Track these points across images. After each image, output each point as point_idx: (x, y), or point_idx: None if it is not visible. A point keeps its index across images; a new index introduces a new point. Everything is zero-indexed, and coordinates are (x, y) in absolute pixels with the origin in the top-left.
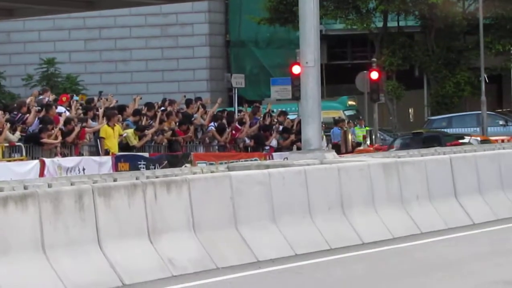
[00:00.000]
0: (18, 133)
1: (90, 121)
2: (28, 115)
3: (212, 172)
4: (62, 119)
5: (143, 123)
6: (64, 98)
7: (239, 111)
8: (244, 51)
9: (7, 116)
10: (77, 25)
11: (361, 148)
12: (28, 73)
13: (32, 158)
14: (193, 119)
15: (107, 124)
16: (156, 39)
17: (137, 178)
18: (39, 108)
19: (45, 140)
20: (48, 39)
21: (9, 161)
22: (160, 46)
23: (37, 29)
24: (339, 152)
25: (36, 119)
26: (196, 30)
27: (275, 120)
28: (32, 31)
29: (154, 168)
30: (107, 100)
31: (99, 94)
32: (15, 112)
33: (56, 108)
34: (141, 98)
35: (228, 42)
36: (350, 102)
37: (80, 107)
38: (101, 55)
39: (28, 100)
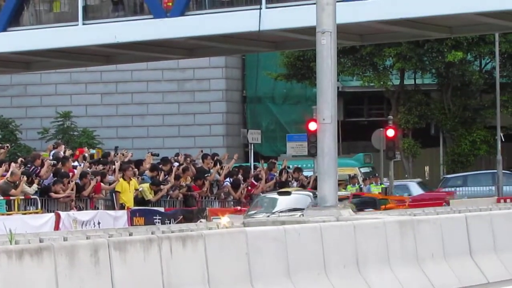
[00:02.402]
0: (35, 186)
1: (107, 176)
2: (41, 168)
3: (227, 227)
4: (77, 173)
5: (160, 178)
6: (77, 152)
7: (255, 167)
8: (261, 107)
9: (23, 169)
10: (93, 79)
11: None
12: (44, 127)
13: (48, 211)
14: (208, 174)
15: (123, 178)
16: (173, 93)
17: (152, 233)
18: (54, 162)
19: (54, 194)
20: (65, 92)
21: (25, 214)
22: (176, 101)
23: (54, 82)
24: None
25: (51, 172)
26: (213, 85)
27: (291, 176)
28: (48, 84)
29: (170, 223)
30: (123, 155)
31: (115, 149)
32: (29, 165)
33: (73, 162)
34: (154, 154)
35: (245, 97)
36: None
37: (90, 161)
38: (118, 109)
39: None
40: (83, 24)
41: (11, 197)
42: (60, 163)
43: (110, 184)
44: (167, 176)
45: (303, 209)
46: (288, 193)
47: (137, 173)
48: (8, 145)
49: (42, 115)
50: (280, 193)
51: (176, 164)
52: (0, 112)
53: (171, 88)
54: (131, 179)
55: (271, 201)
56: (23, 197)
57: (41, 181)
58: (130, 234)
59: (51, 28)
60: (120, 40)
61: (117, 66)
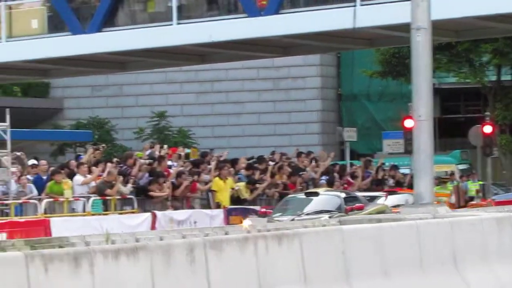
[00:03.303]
0: (129, 186)
1: (202, 175)
2: (133, 167)
3: (323, 225)
4: (173, 172)
5: (255, 177)
6: (170, 151)
7: (351, 164)
8: (356, 104)
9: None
10: (189, 78)
11: (474, 202)
12: (140, 126)
13: (144, 211)
14: (304, 172)
15: (219, 177)
16: (268, 92)
17: (248, 232)
18: (150, 161)
19: (153, 193)
20: (160, 92)
21: (121, 213)
22: (272, 99)
23: (149, 82)
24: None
25: (146, 171)
26: (308, 83)
27: (387, 174)
28: (144, 84)
29: None
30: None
31: (210, 151)
32: (121, 164)
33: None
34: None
35: (340, 95)
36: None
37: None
38: (213, 108)
39: (85, 157)
40: (178, 23)
41: (107, 197)
42: (156, 162)
43: (205, 183)
44: (263, 175)
45: (331, 211)
46: (316, 194)
47: (232, 172)
48: (104, 145)
49: (138, 115)
50: (308, 194)
51: (271, 162)
52: (96, 112)
53: (267, 86)
54: (227, 178)
55: (297, 202)
56: (119, 197)
57: (137, 181)
58: (226, 233)
59: (146, 28)
60: (215, 39)
61: (212, 65)
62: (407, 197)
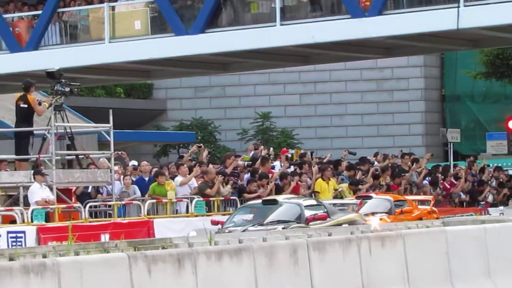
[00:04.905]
0: (228, 187)
1: (304, 176)
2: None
3: (427, 227)
4: (276, 174)
5: (357, 177)
6: (272, 153)
7: (454, 166)
8: (459, 105)
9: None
10: (292, 79)
11: None
12: (243, 127)
13: None
14: (405, 174)
15: (322, 178)
16: (372, 93)
17: (351, 233)
18: (249, 162)
19: (247, 195)
20: (263, 93)
21: (224, 215)
22: (375, 100)
23: (252, 83)
24: None
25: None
26: (411, 84)
27: (491, 175)
28: (247, 85)
29: None
30: (319, 158)
31: (311, 154)
32: (218, 165)
33: (272, 162)
34: (351, 153)
35: (444, 96)
36: None
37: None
38: (316, 109)
39: (185, 156)
40: (281, 24)
41: (210, 198)
42: (259, 163)
43: (307, 184)
44: (365, 176)
45: (289, 221)
46: (275, 202)
47: (334, 173)
48: (201, 144)
49: (241, 116)
50: (265, 202)
51: (375, 163)
52: (199, 114)
53: (370, 87)
54: (329, 179)
55: (253, 211)
56: (222, 198)
57: (237, 181)
58: (329, 234)
59: (249, 29)
60: (318, 40)
61: (315, 66)
62: (385, 203)
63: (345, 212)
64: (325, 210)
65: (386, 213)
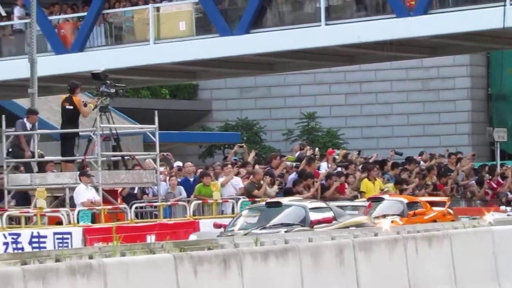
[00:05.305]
0: (275, 187)
1: (350, 177)
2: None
3: (474, 226)
4: (322, 174)
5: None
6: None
7: (501, 165)
8: (506, 104)
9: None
10: (337, 79)
11: None
12: (288, 128)
13: None
14: (451, 174)
15: (368, 178)
16: (417, 92)
17: (398, 233)
18: (297, 163)
19: (297, 194)
20: (309, 93)
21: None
22: (421, 99)
23: (298, 83)
24: None
25: (294, 173)
26: (457, 83)
27: None
28: (292, 86)
29: None
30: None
31: (358, 153)
32: (265, 165)
33: (318, 163)
34: (398, 153)
35: (490, 95)
36: None
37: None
38: (362, 109)
39: (229, 156)
40: (326, 24)
41: (256, 199)
42: (305, 163)
43: (353, 184)
44: (410, 176)
45: (293, 224)
46: (279, 204)
47: (380, 173)
48: (244, 144)
49: (286, 117)
50: (269, 204)
51: (421, 163)
52: (245, 114)
53: (415, 87)
54: (376, 179)
55: (256, 213)
56: (267, 199)
57: (283, 182)
58: (376, 235)
59: (294, 29)
60: (363, 40)
61: (360, 66)
62: (397, 205)
63: (353, 215)
64: (332, 212)
65: (398, 215)
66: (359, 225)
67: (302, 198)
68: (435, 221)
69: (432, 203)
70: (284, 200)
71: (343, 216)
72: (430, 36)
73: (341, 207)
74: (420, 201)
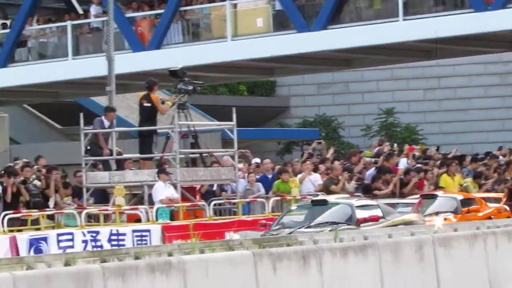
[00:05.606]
0: (353, 183)
1: (429, 172)
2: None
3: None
4: (401, 170)
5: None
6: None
7: None
8: None
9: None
10: (415, 75)
11: None
12: (367, 124)
13: None
14: None
15: (447, 174)
16: (496, 87)
17: (477, 228)
18: (376, 159)
19: (376, 191)
20: (387, 89)
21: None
22: (499, 94)
23: (376, 79)
24: None
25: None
26: None
27: None
28: (370, 81)
29: None
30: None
31: (436, 149)
32: (344, 161)
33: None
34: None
35: None
36: None
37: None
38: (440, 104)
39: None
40: (404, 19)
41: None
42: (383, 159)
43: (431, 180)
44: (489, 171)
45: (338, 223)
46: (325, 202)
47: (459, 169)
48: (322, 140)
49: (364, 112)
50: (315, 203)
51: (500, 157)
52: (323, 110)
53: (494, 81)
54: (455, 175)
55: (302, 212)
56: (347, 195)
57: (362, 178)
58: (455, 230)
59: (371, 24)
60: (440, 35)
61: (438, 61)
62: (451, 202)
63: (403, 213)
64: (380, 210)
65: (452, 212)
66: (408, 223)
67: (349, 196)
68: (490, 218)
69: (488, 200)
70: (331, 198)
71: (391, 214)
72: (509, 30)
73: (392, 204)
74: (475, 198)
